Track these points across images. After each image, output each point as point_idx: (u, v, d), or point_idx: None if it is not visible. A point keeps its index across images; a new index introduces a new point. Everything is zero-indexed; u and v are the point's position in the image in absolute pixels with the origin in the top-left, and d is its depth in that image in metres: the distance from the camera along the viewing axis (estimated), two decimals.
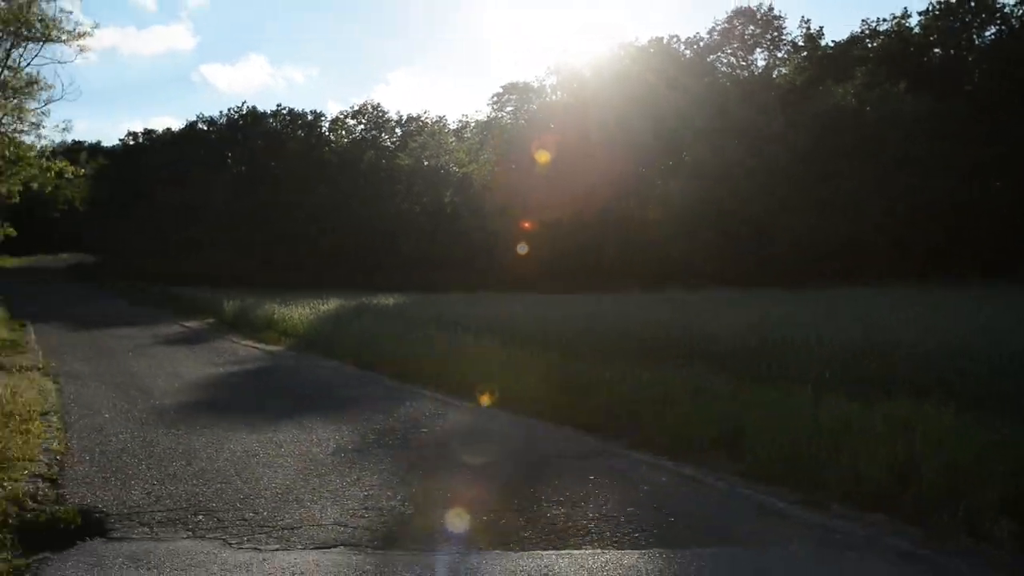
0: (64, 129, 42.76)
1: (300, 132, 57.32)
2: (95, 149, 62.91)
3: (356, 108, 58.38)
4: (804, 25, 44.32)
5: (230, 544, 5.36)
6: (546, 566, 4.96)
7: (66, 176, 22.84)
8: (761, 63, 43.43)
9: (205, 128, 59.32)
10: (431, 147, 47.36)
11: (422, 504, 6.24)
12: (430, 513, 6.02)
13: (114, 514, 5.93)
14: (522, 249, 40.01)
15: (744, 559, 5.16)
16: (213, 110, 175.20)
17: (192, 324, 24.83)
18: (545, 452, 8.06)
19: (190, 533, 5.58)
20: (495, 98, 47.10)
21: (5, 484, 6.43)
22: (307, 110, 58.77)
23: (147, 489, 6.57)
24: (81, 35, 21.69)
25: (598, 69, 43.07)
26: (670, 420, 8.58)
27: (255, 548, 5.28)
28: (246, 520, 5.81)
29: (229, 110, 59.50)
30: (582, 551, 5.23)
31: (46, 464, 7.26)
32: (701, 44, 43.05)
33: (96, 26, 21.86)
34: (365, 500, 6.30)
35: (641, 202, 37.10)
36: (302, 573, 4.85)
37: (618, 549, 5.26)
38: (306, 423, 9.29)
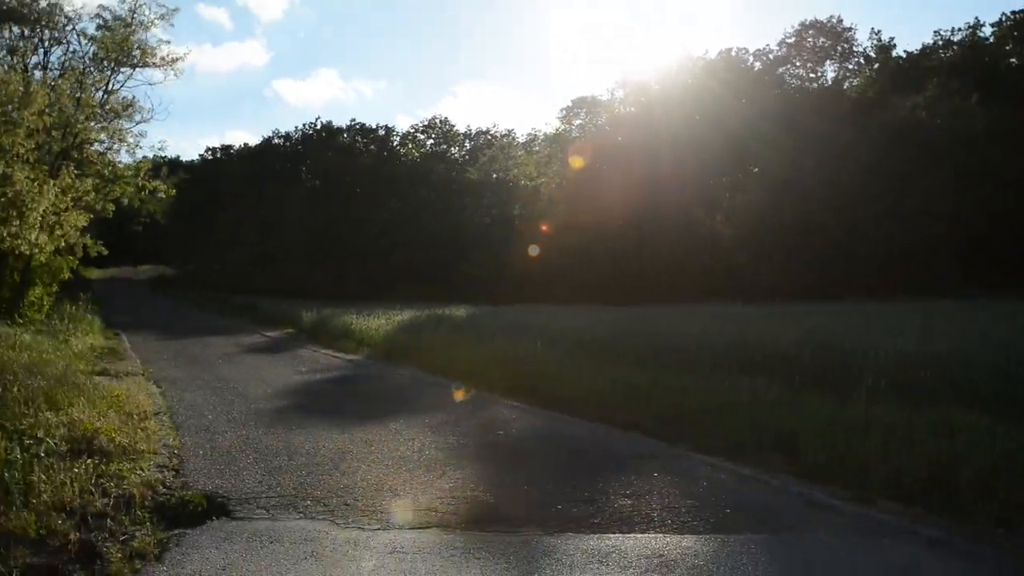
0: (160, 149, 44.99)
1: (372, 147, 59.10)
2: (175, 164, 65.41)
3: (426, 123, 60.05)
4: (874, 36, 44.19)
5: (337, 524, 6.20)
6: (613, 547, 5.67)
7: (159, 194, 24.36)
8: (831, 75, 43.46)
9: (280, 143, 61.52)
10: (500, 160, 48.45)
11: (502, 494, 7.01)
12: (510, 502, 6.79)
13: (234, 499, 6.82)
14: (589, 261, 40.77)
15: (791, 543, 5.80)
16: (285, 124, 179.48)
17: (272, 334, 26.12)
18: (613, 452, 8.77)
19: (301, 515, 6.44)
20: (564, 112, 48.07)
21: (138, 472, 7.39)
22: (379, 125, 60.67)
23: (258, 479, 7.48)
24: (174, 60, 23.20)
25: (666, 82, 43.65)
26: (730, 425, 9.21)
27: (359, 528, 6.11)
28: (348, 505, 6.65)
29: (304, 125, 61.72)
30: (646, 535, 5.93)
31: (167, 456, 8.24)
32: (770, 56, 43.26)
33: (187, 52, 23.24)
34: (451, 491, 7.10)
35: (707, 213, 37.50)
36: (401, 548, 5.66)
37: (678, 534, 5.95)
38: (390, 424, 10.15)
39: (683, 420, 9.82)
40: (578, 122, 46.83)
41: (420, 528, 6.11)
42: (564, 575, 5.19)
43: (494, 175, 48.32)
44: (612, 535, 5.93)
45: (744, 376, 11.49)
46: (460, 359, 16.18)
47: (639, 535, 5.93)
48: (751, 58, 43.36)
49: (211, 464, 8.04)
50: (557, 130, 47.88)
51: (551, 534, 5.97)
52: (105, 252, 24.39)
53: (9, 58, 20.08)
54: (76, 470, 7.00)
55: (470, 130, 59.34)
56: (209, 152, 72.02)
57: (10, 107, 15.64)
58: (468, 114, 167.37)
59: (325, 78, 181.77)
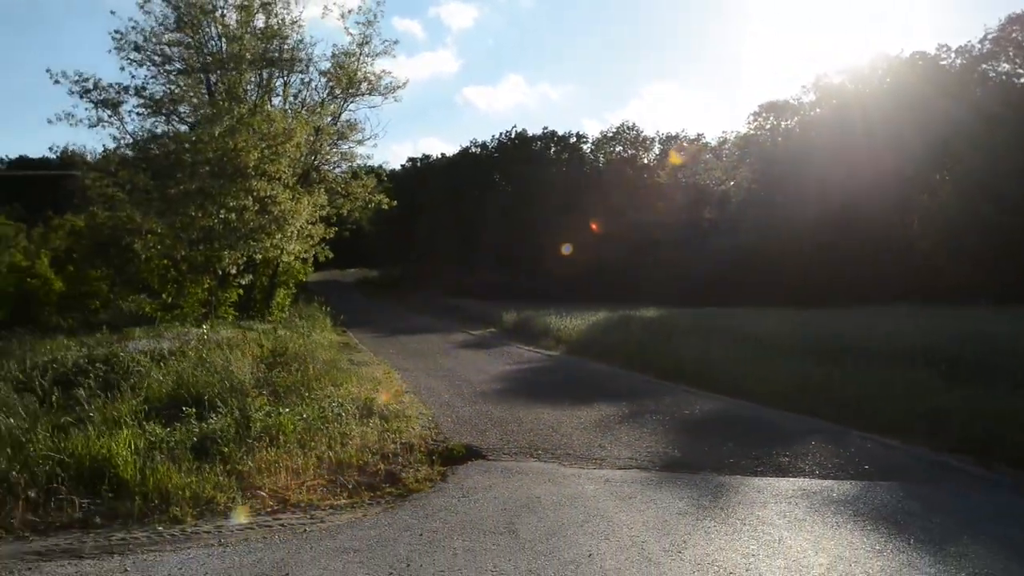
0: (367, 158, 49.87)
1: (564, 154, 62.05)
2: (378, 172, 71.58)
3: (615, 129, 62.27)
4: None
5: (563, 464, 8.59)
6: (768, 484, 7.73)
7: (383, 207, 27.91)
8: None
9: (476, 152, 65.60)
10: (689, 165, 49.91)
11: (686, 452, 9.18)
12: (692, 456, 8.95)
13: (484, 449, 9.35)
14: (779, 264, 41.56)
15: (909, 488, 7.63)
16: (474, 130, 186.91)
17: (477, 332, 29.15)
18: (780, 427, 10.70)
19: (536, 459, 8.88)
20: (752, 117, 48.86)
21: (410, 429, 10.10)
22: (569, 132, 63.60)
23: (497, 438, 9.99)
24: (395, 89, 26.66)
25: (861, 82, 43.57)
26: (889, 409, 10.93)
27: (579, 467, 8.47)
28: (569, 455, 9.02)
29: (500, 134, 65.54)
30: (796, 479, 7.96)
31: (425, 421, 10.93)
32: (972, 53, 42.27)
33: (407, 82, 26.50)
34: (647, 448, 9.33)
35: (902, 215, 37.42)
36: (611, 480, 7.95)
37: (821, 479, 7.93)
38: (592, 404, 12.48)
39: (848, 406, 11.57)
40: (768, 126, 47.48)
41: (624, 469, 8.40)
42: (728, 498, 7.31)
43: (683, 180, 49.81)
44: (769, 478, 7.98)
45: (913, 369, 13.03)
46: (649, 355, 18.34)
47: (791, 478, 7.95)
48: (953, 55, 42.49)
49: (459, 427, 10.65)
50: (746, 133, 48.77)
51: (722, 475, 8.10)
52: (331, 256, 28.07)
53: (256, 94, 23.98)
54: (369, 426, 9.79)
55: (659, 135, 61.20)
56: (409, 162, 77.84)
57: (277, 141, 19.36)
58: (655, 115, 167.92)
59: (513, 83, 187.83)
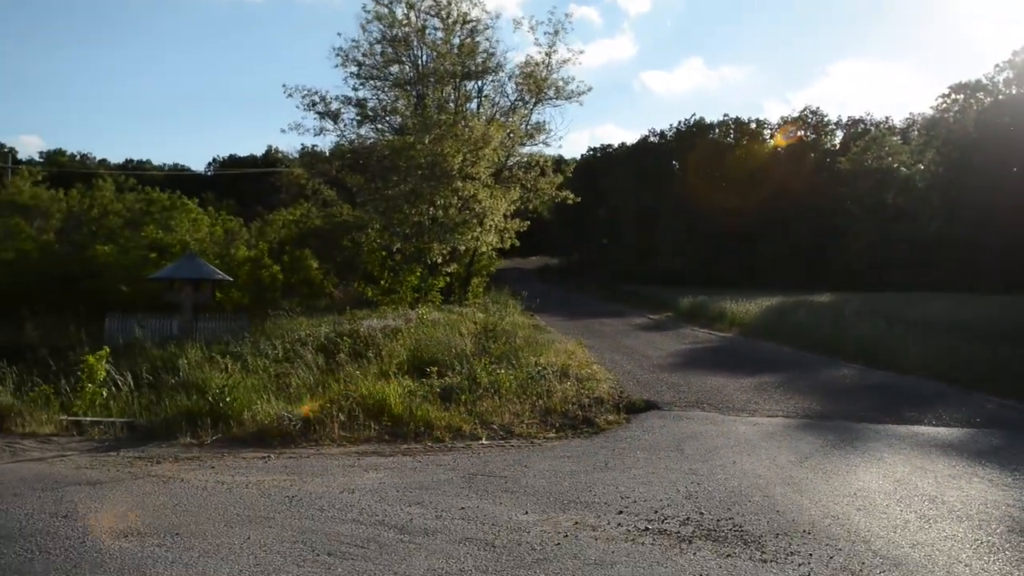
0: (562, 156, 52.99)
1: (744, 139, 63.05)
2: (559, 162, 74.89)
3: (798, 113, 62.64)
4: None
5: (722, 413, 11.04)
6: (890, 430, 9.88)
7: (567, 202, 30.75)
8: None
9: (655, 141, 67.58)
10: (873, 149, 49.92)
11: (827, 408, 11.42)
12: (832, 411, 11.19)
13: (659, 403, 11.90)
14: (967, 249, 41.41)
15: (1006, 434, 9.60)
16: (652, 116, 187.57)
17: (655, 316, 31.55)
18: (917, 392, 12.68)
19: (700, 410, 11.37)
20: (941, 98, 48.17)
21: (599, 389, 12.78)
22: (750, 119, 64.52)
23: (671, 396, 12.51)
24: (580, 94, 29.39)
25: None
26: (1020, 379, 12.64)
27: (735, 415, 10.90)
28: (728, 407, 11.45)
29: (679, 122, 67.31)
30: (913, 426, 10.07)
31: (611, 383, 13.56)
32: None
33: (590, 88, 29.06)
34: (794, 404, 11.64)
35: None
36: (760, 424, 10.33)
37: (935, 427, 10.01)
38: (754, 374, 14.76)
39: (985, 376, 13.41)
40: (956, 108, 46.73)
41: (771, 417, 10.78)
42: (849, 435, 9.54)
43: (868, 163, 49.83)
44: (890, 425, 10.14)
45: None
46: (814, 335, 20.27)
47: (908, 426, 10.09)
48: None
49: (639, 388, 13.24)
50: (933, 116, 48.15)
51: (854, 423, 10.33)
52: (517, 244, 31.01)
53: (456, 103, 27.30)
54: (566, 385, 12.55)
55: (842, 119, 61.16)
56: (590, 151, 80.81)
57: (476, 146, 22.53)
58: (842, 95, 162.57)
59: (692, 67, 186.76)
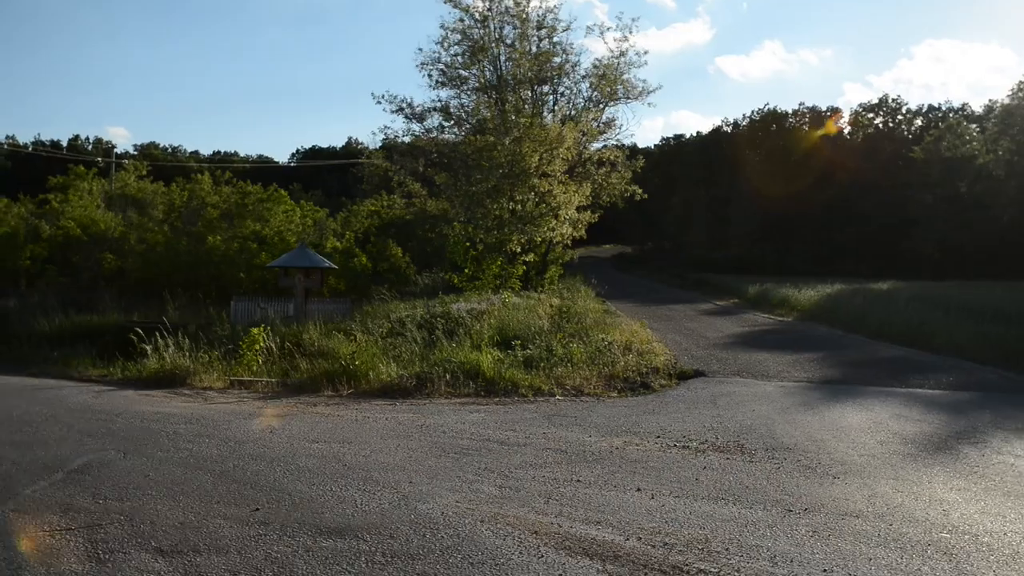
0: (636, 146, 55.51)
1: (818, 128, 64.41)
2: (633, 151, 77.10)
3: (876, 101, 63.80)
4: None
5: (756, 379, 13.59)
6: (891, 391, 12.31)
7: (634, 197, 33.26)
8: None
9: (728, 130, 69.37)
10: (947, 138, 50.95)
11: (840, 374, 13.87)
12: (843, 376, 13.65)
13: (707, 372, 14.47)
14: None
15: (983, 395, 11.95)
16: (728, 102, 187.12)
17: (721, 303, 33.86)
18: (925, 364, 15.03)
19: (739, 377, 13.92)
20: (1019, 85, 48.98)
21: (657, 360, 15.40)
22: (827, 108, 65.85)
23: (717, 367, 15.07)
24: (648, 92, 31.91)
25: None
26: None
27: (767, 381, 13.44)
28: (763, 375, 13.98)
29: (752, 111, 69.00)
30: (911, 389, 12.47)
31: (668, 357, 16.15)
32: None
33: (659, 87, 31.57)
34: (819, 373, 14.12)
35: None
36: (782, 386, 12.85)
37: (931, 390, 12.40)
38: (796, 352, 17.18)
39: (1001, 354, 15.58)
40: None
41: (796, 382, 13.30)
42: (853, 393, 12.02)
43: (943, 152, 50.89)
44: (891, 387, 12.57)
45: None
46: (865, 320, 22.46)
47: (908, 388, 12.51)
48: None
49: (692, 361, 15.81)
50: (1009, 104, 48.94)
51: (863, 386, 12.78)
52: (584, 237, 33.58)
53: (532, 106, 30.02)
54: (629, 357, 15.20)
55: (921, 107, 62.22)
56: (663, 141, 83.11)
57: (551, 146, 25.25)
58: (926, 77, 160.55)
59: (769, 50, 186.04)
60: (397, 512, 6.21)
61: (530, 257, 27.06)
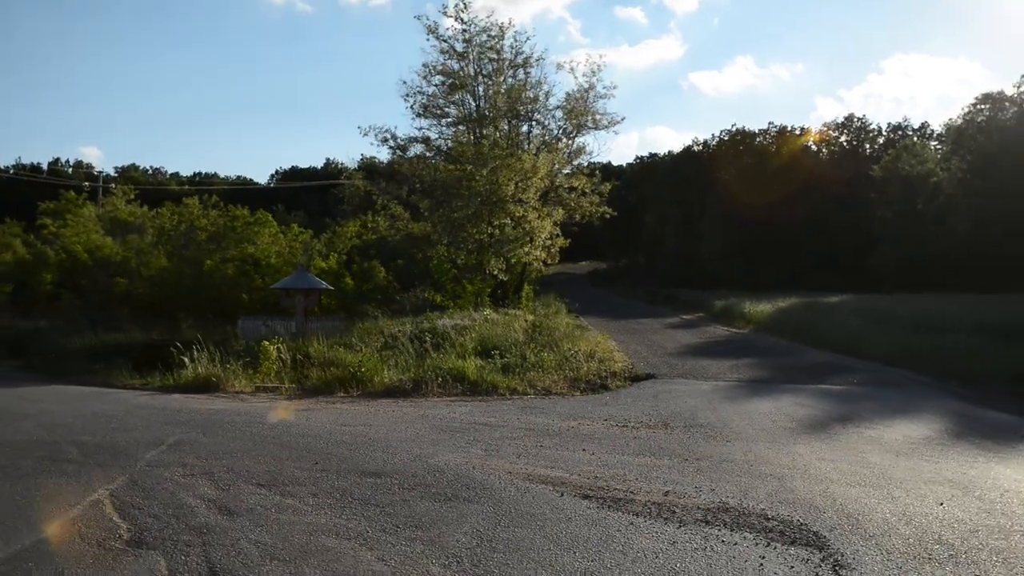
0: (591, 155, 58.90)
1: (785, 147, 68.07)
2: (606, 170, 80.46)
3: (840, 121, 67.61)
4: None
5: (696, 380, 16.60)
6: (804, 388, 15.33)
7: (606, 216, 36.38)
8: None
9: (699, 150, 72.88)
10: (904, 158, 54.61)
11: (773, 376, 16.90)
12: (774, 378, 16.67)
13: (658, 375, 17.46)
14: (991, 252, 46.02)
15: (874, 388, 15.01)
16: (701, 118, 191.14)
17: (687, 316, 37.03)
18: (843, 367, 18.08)
19: (683, 379, 16.92)
20: (968, 109, 52.75)
21: (616, 366, 18.37)
22: (792, 127, 69.59)
23: (667, 370, 18.06)
24: (615, 123, 35.14)
25: None
26: (932, 358, 17.97)
27: (704, 381, 16.45)
28: (704, 377, 16.99)
29: (721, 132, 72.62)
30: (821, 385, 15.51)
31: (625, 363, 19.12)
32: None
33: (624, 119, 35.04)
34: (751, 375, 17.15)
35: None
36: (718, 387, 15.85)
37: (838, 387, 15.43)
38: (739, 358, 20.23)
39: (916, 358, 18.65)
40: (980, 119, 51.18)
41: (728, 382, 16.32)
42: (771, 390, 15.03)
43: (901, 170, 54.42)
44: (806, 385, 15.61)
45: (979, 337, 19.76)
46: (808, 330, 25.60)
47: (818, 385, 15.56)
48: None
49: (647, 366, 18.79)
50: (960, 125, 52.58)
51: (782, 384, 15.81)
52: (557, 259, 36.62)
53: (507, 139, 33.10)
54: (591, 363, 18.17)
55: (882, 126, 66.36)
56: (637, 160, 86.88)
57: (526, 176, 28.32)
58: (896, 91, 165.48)
59: (741, 66, 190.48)
60: (414, 464, 9.12)
61: (506, 277, 30.01)
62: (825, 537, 6.57)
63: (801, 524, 6.89)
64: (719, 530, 6.78)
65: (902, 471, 8.79)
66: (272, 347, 17.28)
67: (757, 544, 6.44)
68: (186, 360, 16.85)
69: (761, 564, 6.03)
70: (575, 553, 6.25)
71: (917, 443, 10.32)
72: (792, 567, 5.96)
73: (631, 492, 7.94)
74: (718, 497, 7.75)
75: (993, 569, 5.96)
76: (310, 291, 24.13)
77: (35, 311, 27.91)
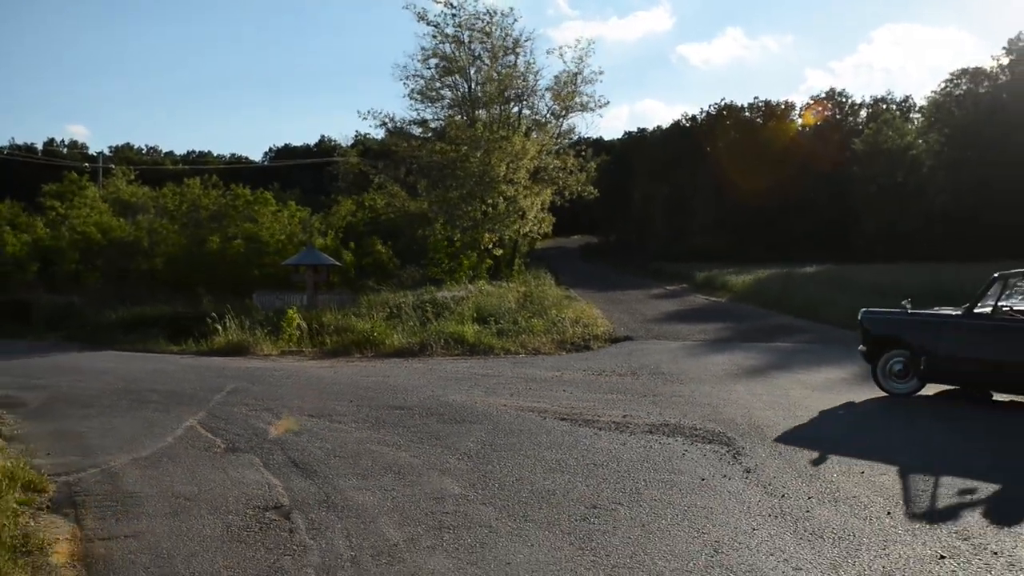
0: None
1: (772, 121, 70.47)
2: (597, 144, 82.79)
3: (822, 96, 70.08)
4: None
5: (668, 340, 19.24)
6: (756, 345, 17.96)
7: (591, 196, 39.01)
8: None
9: (688, 124, 75.25)
10: (884, 131, 57.09)
11: (734, 336, 19.55)
12: (735, 337, 19.32)
13: (635, 337, 20.08)
14: (967, 223, 48.76)
15: (827, 346, 17.66)
16: (692, 90, 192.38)
17: (671, 287, 39.68)
18: (804, 329, 20.71)
19: (656, 340, 19.57)
20: (944, 83, 55.25)
21: (599, 330, 20.98)
22: (779, 102, 71.97)
23: (643, 333, 20.69)
24: (602, 106, 37.75)
25: None
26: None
27: (675, 340, 19.10)
28: (674, 338, 19.64)
29: (710, 106, 74.91)
30: (773, 344, 18.16)
31: (608, 327, 21.71)
32: None
33: (608, 102, 38.22)
34: (716, 335, 19.78)
35: None
36: (685, 344, 18.49)
37: (784, 343, 18.10)
38: (711, 322, 22.83)
39: (853, 320, 21.23)
40: (957, 92, 53.68)
41: (695, 342, 18.97)
42: (729, 347, 17.67)
43: (883, 144, 56.93)
44: (760, 343, 18.24)
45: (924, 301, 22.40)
46: (780, 298, 28.23)
47: (769, 343, 18.22)
48: None
49: (626, 330, 21.39)
50: (936, 99, 55.10)
51: (740, 342, 18.45)
52: (549, 232, 39.19)
53: (500, 120, 35.61)
54: (577, 328, 20.79)
55: (866, 99, 68.79)
56: (626, 134, 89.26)
57: (517, 157, 30.89)
58: (887, 61, 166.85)
59: (730, 37, 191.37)
60: (429, 401, 11.75)
61: (499, 252, 32.64)
62: (735, 439, 9.19)
63: (720, 432, 9.52)
64: (659, 437, 9.42)
65: (811, 400, 11.46)
66: (295, 315, 19.86)
67: (684, 444, 9.07)
68: (219, 328, 19.43)
69: (684, 453, 8.66)
70: (552, 451, 8.86)
71: (834, 383, 13.01)
72: (705, 456, 8.58)
73: (597, 416, 10.58)
74: (663, 418, 10.37)
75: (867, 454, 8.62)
76: (319, 267, 26.68)
77: (63, 289, 30.42)
